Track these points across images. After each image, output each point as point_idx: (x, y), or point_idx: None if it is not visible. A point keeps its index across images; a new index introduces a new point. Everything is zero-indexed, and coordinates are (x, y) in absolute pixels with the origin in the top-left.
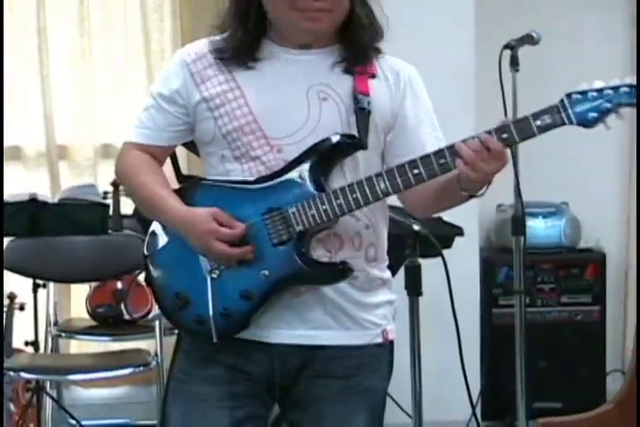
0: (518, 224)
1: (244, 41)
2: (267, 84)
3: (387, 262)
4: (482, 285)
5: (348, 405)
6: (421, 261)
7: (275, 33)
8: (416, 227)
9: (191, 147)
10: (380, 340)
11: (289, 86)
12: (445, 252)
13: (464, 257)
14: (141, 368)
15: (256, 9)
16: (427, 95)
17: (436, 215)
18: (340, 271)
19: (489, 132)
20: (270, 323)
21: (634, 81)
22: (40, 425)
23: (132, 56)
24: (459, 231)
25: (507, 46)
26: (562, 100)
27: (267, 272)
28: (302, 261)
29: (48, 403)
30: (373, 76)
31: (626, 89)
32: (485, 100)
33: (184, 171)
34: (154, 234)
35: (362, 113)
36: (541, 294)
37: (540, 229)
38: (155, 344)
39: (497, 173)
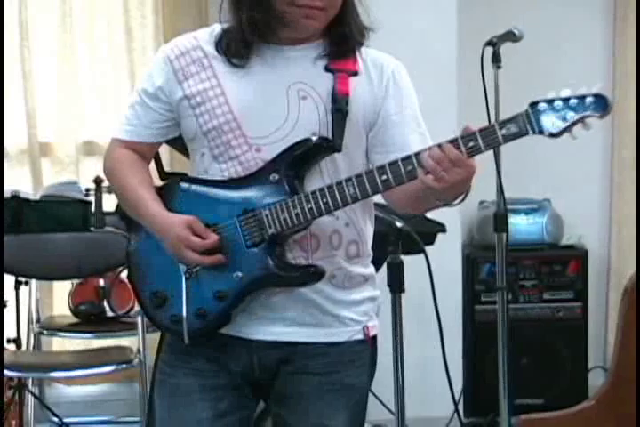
0: (501, 221)
1: (237, 39)
2: (247, 82)
3: (370, 258)
4: (464, 281)
5: (329, 401)
6: (404, 257)
7: (264, 29)
8: (398, 224)
9: (174, 144)
10: (360, 336)
11: (269, 84)
12: (428, 248)
13: (446, 254)
14: (124, 365)
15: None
16: (412, 90)
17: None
18: (312, 275)
19: (455, 140)
20: (249, 320)
21: (601, 90)
22: (22, 423)
23: (114, 53)
24: (441, 228)
25: (489, 43)
26: (527, 109)
27: (240, 274)
28: (274, 264)
29: (30, 400)
30: (355, 74)
31: (591, 99)
32: (467, 96)
33: (167, 168)
34: (136, 231)
35: (339, 114)
36: (524, 290)
37: (522, 225)
38: (137, 341)
39: (463, 182)
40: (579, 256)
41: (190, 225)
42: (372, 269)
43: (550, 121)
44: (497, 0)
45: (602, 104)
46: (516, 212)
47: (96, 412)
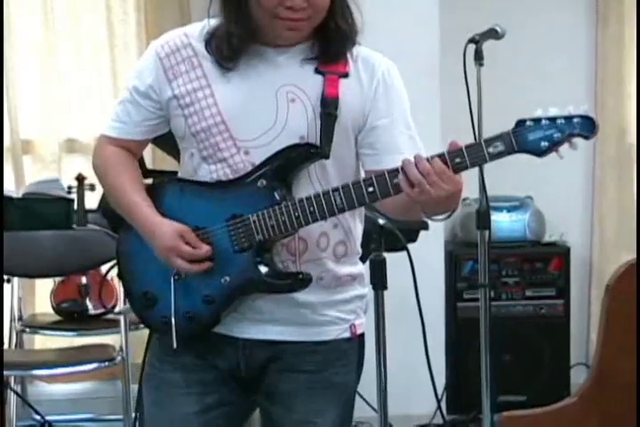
0: (483, 218)
1: (225, 42)
2: (237, 84)
3: (359, 255)
4: (447, 278)
5: (316, 399)
6: (386, 255)
7: (250, 36)
8: (381, 221)
9: (159, 144)
10: (347, 335)
11: (259, 86)
12: (410, 246)
13: (429, 251)
14: (106, 363)
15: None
16: (403, 92)
17: None
18: (299, 282)
19: (442, 155)
20: (237, 320)
21: (589, 111)
22: (4, 421)
23: (97, 50)
24: (423, 225)
25: (471, 40)
26: (514, 128)
27: (227, 278)
28: (261, 271)
29: (12, 398)
30: (345, 76)
31: (578, 120)
32: (450, 94)
33: (149, 165)
34: (127, 231)
35: (328, 119)
36: (506, 287)
37: (504, 223)
38: (120, 339)
39: (448, 198)
40: (561, 253)
41: (182, 235)
42: (360, 267)
43: (537, 140)
44: None
45: (589, 125)
46: (499, 209)
47: (78, 410)
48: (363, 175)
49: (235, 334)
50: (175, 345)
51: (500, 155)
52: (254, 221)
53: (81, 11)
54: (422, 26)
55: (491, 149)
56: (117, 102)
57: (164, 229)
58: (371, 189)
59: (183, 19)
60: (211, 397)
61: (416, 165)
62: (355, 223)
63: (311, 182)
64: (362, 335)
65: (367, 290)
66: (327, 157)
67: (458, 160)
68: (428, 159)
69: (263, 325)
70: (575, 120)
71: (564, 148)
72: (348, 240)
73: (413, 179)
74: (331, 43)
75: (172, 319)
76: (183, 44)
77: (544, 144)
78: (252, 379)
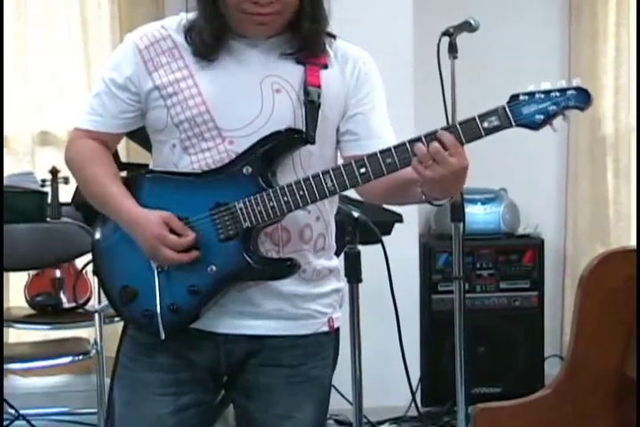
0: (457, 210)
1: (208, 34)
2: (220, 74)
3: (334, 250)
4: (421, 271)
5: (295, 393)
6: (361, 247)
7: (227, 26)
8: (355, 213)
9: (134, 137)
10: (326, 328)
11: (243, 76)
12: (385, 238)
13: (404, 244)
14: (81, 357)
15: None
16: (380, 82)
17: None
18: (288, 268)
19: (435, 133)
20: (217, 313)
21: (581, 84)
22: None
23: (70, 43)
24: (398, 218)
25: (445, 33)
26: (509, 102)
27: (214, 267)
28: (249, 258)
29: None
30: (325, 67)
31: (573, 92)
32: (424, 87)
33: (123, 158)
34: (102, 224)
35: (311, 106)
36: (480, 279)
37: (478, 215)
38: (94, 332)
39: (456, 176)
40: (535, 246)
41: (167, 222)
42: (335, 261)
43: (531, 114)
44: None
45: (584, 97)
46: (473, 201)
47: (53, 403)
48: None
49: (214, 330)
50: (163, 336)
51: (495, 129)
52: (241, 209)
53: (54, 4)
54: (396, 18)
55: (486, 124)
56: (92, 95)
57: (148, 217)
58: (363, 170)
59: (158, 12)
60: (185, 397)
61: (425, 140)
62: (332, 219)
63: (294, 170)
64: (338, 329)
65: (343, 284)
66: (313, 142)
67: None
68: (435, 133)
69: (243, 319)
70: (569, 92)
71: (558, 121)
72: (327, 233)
73: (421, 154)
74: (307, 38)
75: (158, 310)
76: (162, 35)
77: (539, 117)
78: (231, 375)
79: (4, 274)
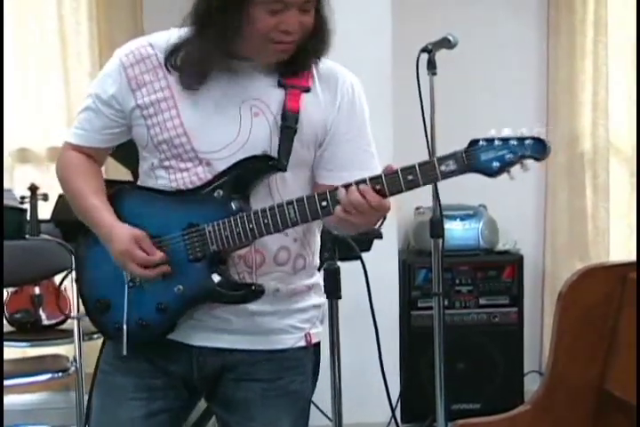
0: (436, 227)
1: (194, 66)
2: (201, 97)
3: (317, 267)
4: (401, 287)
5: (273, 408)
6: (340, 264)
7: (223, 55)
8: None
9: (114, 155)
10: (303, 343)
11: (223, 100)
12: (364, 255)
13: (383, 260)
14: (60, 374)
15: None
16: (365, 106)
17: None
18: (252, 293)
19: (395, 172)
20: (192, 327)
21: (541, 133)
22: None
23: (48, 59)
24: (377, 234)
25: (424, 50)
26: (467, 147)
27: (181, 287)
28: (215, 281)
29: None
30: (307, 90)
31: (530, 142)
32: (403, 103)
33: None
34: (84, 238)
35: (287, 132)
36: (460, 296)
37: (458, 231)
38: (73, 350)
39: (374, 222)
40: (514, 262)
41: (137, 240)
42: (316, 277)
43: (489, 160)
44: (431, 7)
45: (540, 147)
46: (452, 218)
47: (32, 421)
48: None
49: (189, 342)
50: (125, 352)
51: (452, 173)
52: (209, 232)
53: (32, 20)
54: (374, 34)
55: (443, 168)
56: (80, 110)
57: (120, 232)
58: (324, 204)
59: (136, 29)
60: (157, 403)
61: (347, 193)
62: (315, 238)
63: (271, 195)
64: (317, 344)
65: (324, 299)
66: (284, 169)
67: (410, 178)
68: (359, 188)
69: (218, 333)
70: (527, 142)
71: (516, 169)
72: (307, 254)
73: (346, 206)
74: (298, 57)
75: (124, 326)
76: (148, 54)
77: (496, 164)
78: (205, 386)
79: None
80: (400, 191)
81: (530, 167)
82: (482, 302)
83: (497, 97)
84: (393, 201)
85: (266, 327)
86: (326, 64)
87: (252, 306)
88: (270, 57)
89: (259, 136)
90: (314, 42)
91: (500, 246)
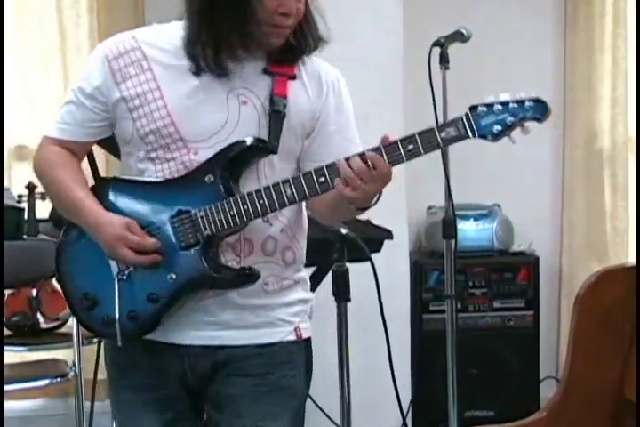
0: (449, 227)
1: (207, 54)
2: (187, 87)
3: (304, 263)
4: (412, 290)
5: (264, 403)
6: (349, 265)
7: (226, 44)
8: (343, 230)
9: (107, 146)
10: (293, 337)
11: (210, 89)
12: (374, 256)
13: (393, 261)
14: (59, 379)
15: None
16: (349, 98)
17: (364, 218)
18: (247, 277)
19: (394, 143)
20: (178, 325)
21: (540, 95)
22: None
23: (48, 53)
24: (388, 234)
25: (436, 44)
26: (467, 113)
27: (174, 275)
28: (209, 266)
29: None
30: (293, 78)
31: (531, 103)
32: (414, 99)
33: (102, 173)
34: (66, 231)
35: (276, 116)
36: (473, 298)
37: (471, 231)
38: (72, 354)
39: (377, 192)
40: (529, 263)
41: (129, 227)
42: (303, 273)
43: (489, 125)
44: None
45: (541, 108)
46: (465, 217)
47: None
48: None
49: (176, 341)
50: (120, 343)
51: (453, 140)
52: (201, 217)
53: (31, 13)
54: (384, 27)
55: (443, 134)
56: (63, 104)
57: (110, 218)
58: (322, 179)
59: (137, 21)
60: (169, 412)
61: (349, 164)
62: (302, 232)
63: (258, 180)
64: (308, 340)
65: (311, 295)
66: (276, 151)
67: (411, 147)
68: (364, 154)
69: (203, 329)
70: (527, 104)
71: (517, 133)
72: (295, 247)
73: (347, 177)
74: (288, 49)
75: (117, 316)
76: (132, 47)
77: (497, 128)
78: (201, 387)
79: None
80: (401, 161)
81: (530, 130)
82: (496, 304)
83: (512, 92)
84: (403, 201)
85: (254, 321)
86: (310, 58)
87: (242, 299)
88: (270, 44)
89: (247, 123)
90: (301, 27)
91: (515, 247)
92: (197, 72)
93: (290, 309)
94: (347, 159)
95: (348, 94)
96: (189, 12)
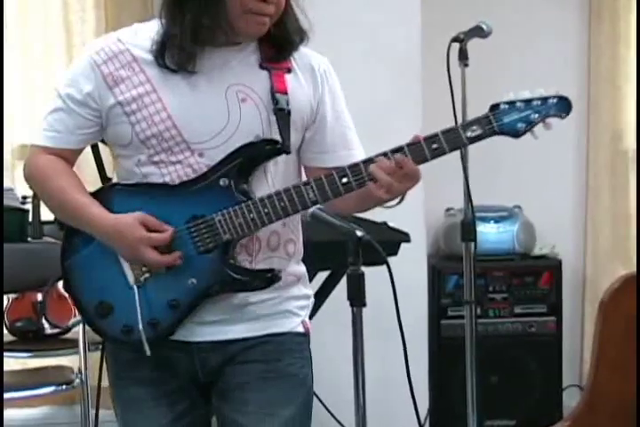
0: (468, 229)
1: (178, 49)
2: (184, 87)
3: (302, 255)
4: (430, 294)
5: (270, 390)
6: (365, 269)
7: (206, 35)
8: (359, 233)
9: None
10: (301, 329)
11: (207, 88)
12: (391, 259)
13: (411, 265)
14: (64, 387)
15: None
16: (338, 83)
17: (380, 220)
18: (269, 279)
19: (418, 142)
20: (189, 323)
21: (562, 92)
22: None
23: (52, 50)
24: (405, 237)
25: (455, 39)
26: (491, 111)
27: (194, 280)
28: (230, 270)
29: None
30: (289, 71)
31: (554, 100)
32: (433, 95)
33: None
34: (71, 239)
35: (282, 114)
36: (493, 304)
37: (491, 234)
38: (78, 360)
39: (407, 191)
40: (552, 267)
41: (143, 222)
42: (302, 268)
43: (513, 122)
44: None
45: (564, 105)
46: (485, 220)
47: None
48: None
49: (187, 339)
50: (149, 352)
51: (477, 138)
52: (219, 221)
53: (35, 7)
54: (402, 22)
55: (469, 133)
56: (48, 112)
57: (125, 221)
58: (345, 180)
59: (146, 15)
60: (180, 405)
61: (380, 164)
62: (297, 224)
63: (265, 178)
64: (309, 337)
65: (311, 292)
66: (289, 151)
67: (435, 146)
68: (393, 156)
69: (214, 326)
70: (550, 101)
71: (539, 128)
72: (295, 239)
73: (380, 178)
74: (279, 43)
75: (140, 326)
76: (120, 49)
77: (521, 125)
78: (211, 379)
79: None
80: (425, 160)
81: (552, 126)
82: (517, 310)
83: (531, 88)
84: (421, 203)
85: (263, 313)
86: (300, 50)
87: (250, 297)
88: (250, 33)
89: (249, 121)
90: (283, 19)
91: (537, 251)
92: (176, 70)
93: (297, 302)
94: (373, 160)
95: (337, 81)
96: (163, 2)
